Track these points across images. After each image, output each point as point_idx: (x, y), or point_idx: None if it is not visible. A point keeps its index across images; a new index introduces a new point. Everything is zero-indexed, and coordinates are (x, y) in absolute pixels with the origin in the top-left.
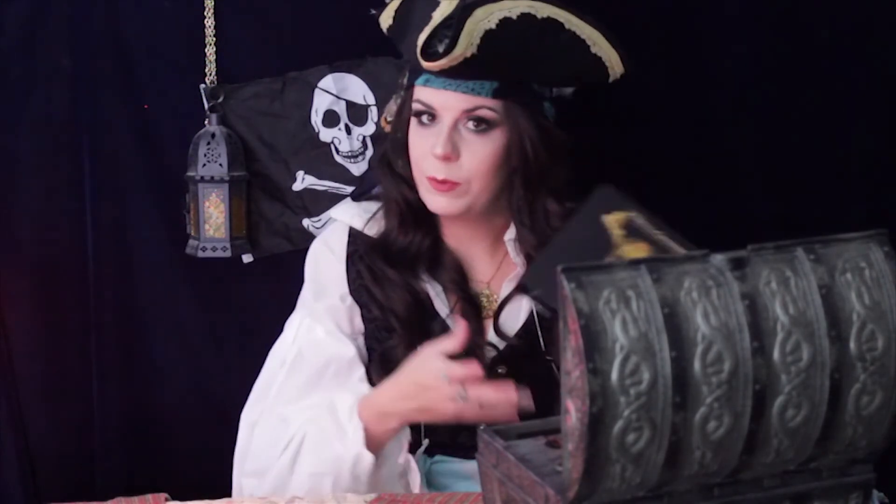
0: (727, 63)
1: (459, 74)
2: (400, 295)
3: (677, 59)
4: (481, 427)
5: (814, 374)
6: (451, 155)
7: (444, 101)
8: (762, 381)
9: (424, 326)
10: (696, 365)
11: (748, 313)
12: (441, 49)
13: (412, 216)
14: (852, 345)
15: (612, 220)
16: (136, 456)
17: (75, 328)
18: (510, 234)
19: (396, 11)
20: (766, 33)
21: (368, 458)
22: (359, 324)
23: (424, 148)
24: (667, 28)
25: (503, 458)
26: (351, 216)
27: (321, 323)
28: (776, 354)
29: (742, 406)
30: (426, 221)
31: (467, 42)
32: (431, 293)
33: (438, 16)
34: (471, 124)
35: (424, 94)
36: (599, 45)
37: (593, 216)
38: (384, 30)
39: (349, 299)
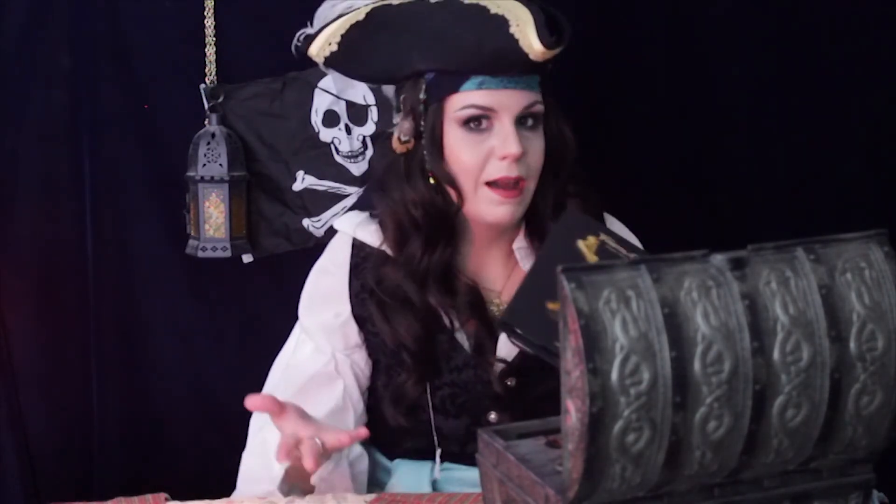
0: (728, 65)
1: (516, 70)
2: (411, 329)
3: (678, 63)
4: (481, 429)
5: (814, 374)
6: (523, 152)
7: (503, 100)
8: (762, 381)
9: (434, 355)
10: (696, 365)
11: (748, 313)
12: (552, 38)
13: (438, 229)
14: (852, 345)
15: (585, 246)
16: (136, 456)
17: (75, 328)
18: (518, 242)
19: (344, 37)
20: (767, 35)
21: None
22: (355, 339)
23: (480, 154)
24: (668, 32)
25: (503, 458)
26: (354, 227)
27: (312, 339)
28: (776, 354)
29: (742, 406)
30: (449, 234)
31: (564, 23)
32: (443, 309)
33: (514, 11)
34: (525, 121)
35: (478, 97)
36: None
37: (567, 242)
38: (318, 60)
39: (346, 314)
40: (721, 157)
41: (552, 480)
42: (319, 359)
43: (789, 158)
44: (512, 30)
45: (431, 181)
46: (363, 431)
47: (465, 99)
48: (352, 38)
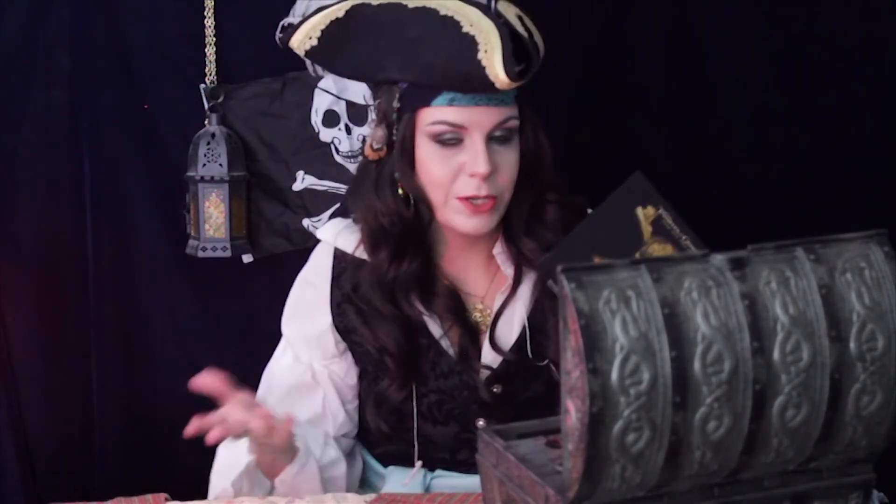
0: (728, 64)
1: (489, 87)
2: (392, 334)
3: (678, 60)
4: (481, 427)
5: (814, 374)
6: (493, 171)
7: (473, 117)
8: (762, 381)
9: (417, 360)
10: (696, 365)
11: (748, 313)
12: (518, 67)
13: (409, 240)
14: (852, 345)
15: (643, 215)
16: (136, 456)
17: (75, 328)
18: (498, 248)
19: (325, 32)
20: (767, 34)
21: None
22: (332, 350)
23: (450, 169)
24: (667, 30)
25: (503, 458)
26: (335, 236)
27: (293, 348)
28: (776, 354)
29: (742, 406)
30: (419, 245)
31: (535, 52)
32: (425, 315)
33: (485, 33)
34: (498, 136)
35: (449, 113)
36: (535, 32)
37: (626, 205)
38: (300, 52)
39: (325, 325)
40: (721, 157)
41: (552, 480)
42: (297, 369)
43: (789, 158)
44: (480, 55)
45: (401, 192)
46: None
47: (436, 114)
48: (331, 34)
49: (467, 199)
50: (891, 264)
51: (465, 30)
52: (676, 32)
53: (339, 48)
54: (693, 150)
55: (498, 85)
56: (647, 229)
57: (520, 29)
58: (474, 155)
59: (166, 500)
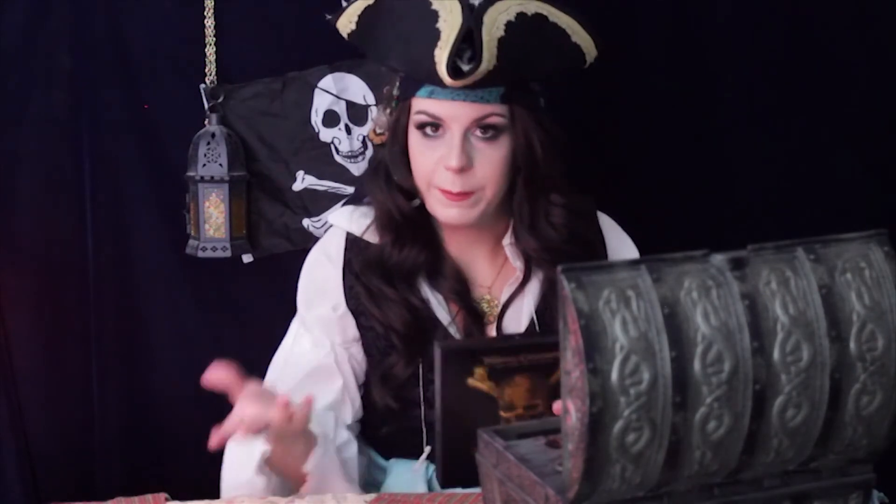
0: (728, 64)
1: (470, 84)
2: (398, 313)
3: (679, 61)
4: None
5: (814, 374)
6: (466, 166)
7: (452, 111)
8: (762, 381)
9: (425, 338)
10: (696, 365)
11: (748, 313)
12: (466, 67)
13: (410, 229)
14: (852, 345)
15: (476, 381)
16: (136, 456)
17: (75, 328)
18: (508, 238)
19: (360, 17)
20: (767, 34)
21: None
22: (353, 332)
23: (432, 159)
24: (668, 31)
25: (503, 458)
26: (348, 221)
27: (310, 332)
28: (776, 354)
29: (742, 406)
30: (424, 232)
31: (490, 55)
32: (433, 301)
33: (449, 30)
34: (479, 132)
35: (429, 105)
36: (577, 32)
37: (458, 385)
38: (344, 35)
39: (342, 308)
40: (721, 157)
41: (552, 480)
42: (318, 352)
43: (789, 159)
44: (436, 51)
45: (396, 178)
46: (309, 400)
47: (418, 105)
48: (364, 19)
49: (444, 189)
50: (891, 264)
51: (437, 24)
52: (677, 32)
53: (370, 34)
54: (693, 151)
55: (446, 82)
56: (488, 386)
57: (493, 30)
58: (450, 148)
59: (166, 500)
